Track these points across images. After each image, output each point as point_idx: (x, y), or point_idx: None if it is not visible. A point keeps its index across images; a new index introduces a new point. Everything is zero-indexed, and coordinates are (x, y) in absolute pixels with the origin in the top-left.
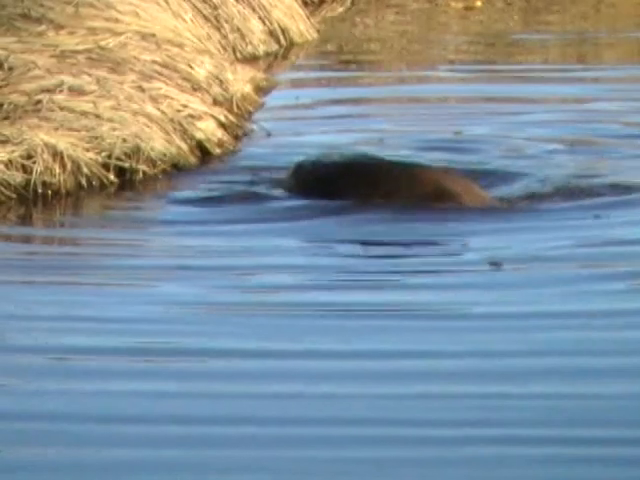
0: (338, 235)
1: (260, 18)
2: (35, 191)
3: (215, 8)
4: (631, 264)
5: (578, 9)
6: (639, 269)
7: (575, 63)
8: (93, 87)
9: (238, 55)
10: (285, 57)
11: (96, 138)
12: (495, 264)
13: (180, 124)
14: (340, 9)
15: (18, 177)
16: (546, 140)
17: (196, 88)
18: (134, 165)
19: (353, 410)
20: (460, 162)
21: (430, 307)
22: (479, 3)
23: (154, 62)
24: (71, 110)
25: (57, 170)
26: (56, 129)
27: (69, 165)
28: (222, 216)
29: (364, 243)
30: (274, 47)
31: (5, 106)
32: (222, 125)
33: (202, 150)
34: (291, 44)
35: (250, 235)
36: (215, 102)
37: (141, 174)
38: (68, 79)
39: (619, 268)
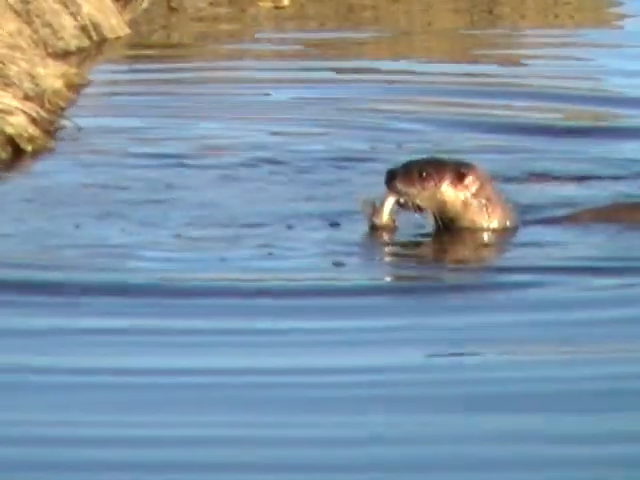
0: None
1: (72, 13)
2: None
3: (26, 3)
4: None
5: None
6: None
7: None
8: None
9: (49, 50)
10: (97, 52)
11: None
12: (338, 264)
13: None
14: (147, 4)
15: None
16: None
17: (7, 83)
18: None
19: None
20: None
21: None
22: (286, 2)
23: None
24: None
25: None
26: None
27: None
28: None
29: None
30: (86, 42)
31: None
32: (34, 121)
33: (13, 146)
34: (103, 39)
35: None
36: (26, 97)
37: None
38: None
39: None
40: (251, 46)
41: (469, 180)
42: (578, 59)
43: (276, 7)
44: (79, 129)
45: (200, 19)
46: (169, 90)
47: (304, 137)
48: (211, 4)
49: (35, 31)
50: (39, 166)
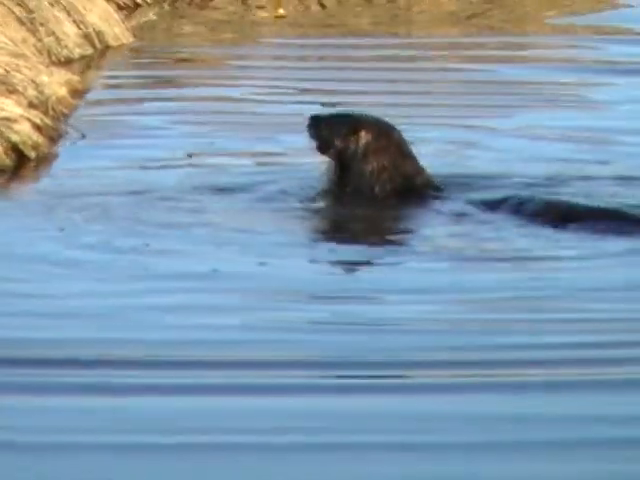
0: None
1: (75, 22)
2: None
3: (30, 11)
4: None
5: None
6: None
7: None
8: None
9: (53, 58)
10: (100, 60)
11: None
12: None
13: None
14: (152, 15)
15: None
16: None
17: (11, 91)
18: None
19: None
20: None
21: None
22: (282, 11)
23: None
24: None
25: None
26: None
27: None
28: None
29: None
30: (89, 50)
31: None
32: (38, 128)
33: (17, 153)
34: (106, 47)
35: None
36: (31, 105)
37: None
38: None
39: None
40: (252, 53)
41: (360, 135)
42: None
43: (275, 17)
44: (83, 136)
45: (202, 28)
46: (172, 98)
47: None
48: (212, 13)
49: (39, 39)
50: (43, 173)
